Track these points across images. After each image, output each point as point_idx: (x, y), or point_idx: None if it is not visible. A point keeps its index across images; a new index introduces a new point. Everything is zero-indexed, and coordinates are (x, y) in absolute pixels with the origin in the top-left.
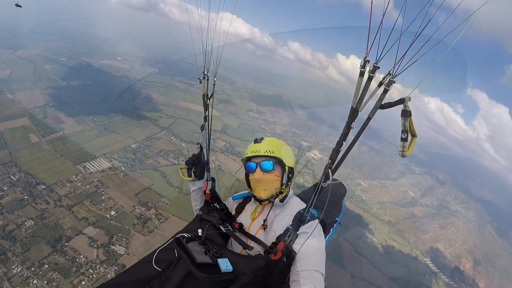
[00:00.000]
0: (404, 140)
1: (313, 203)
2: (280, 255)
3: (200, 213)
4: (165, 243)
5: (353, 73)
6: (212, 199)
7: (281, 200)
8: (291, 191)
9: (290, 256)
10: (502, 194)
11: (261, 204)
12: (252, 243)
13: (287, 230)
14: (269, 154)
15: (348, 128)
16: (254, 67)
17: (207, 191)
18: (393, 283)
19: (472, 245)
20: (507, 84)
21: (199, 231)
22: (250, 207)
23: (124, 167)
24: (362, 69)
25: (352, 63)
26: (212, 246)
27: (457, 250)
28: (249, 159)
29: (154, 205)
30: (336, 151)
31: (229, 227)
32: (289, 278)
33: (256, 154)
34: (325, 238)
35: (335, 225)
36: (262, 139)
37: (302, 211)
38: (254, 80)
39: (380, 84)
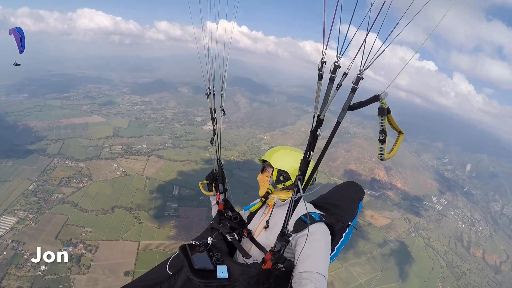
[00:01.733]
0: (382, 141)
1: (289, 219)
2: (270, 264)
3: (212, 222)
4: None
5: (225, 38)
6: (226, 208)
7: (284, 200)
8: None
9: (284, 264)
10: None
11: (265, 204)
12: (254, 250)
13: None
14: (262, 158)
15: (314, 137)
16: (126, 58)
17: (220, 202)
18: None
19: None
20: (373, 14)
21: (209, 239)
22: (261, 211)
23: (32, 214)
24: (320, 72)
25: (222, 28)
26: (216, 254)
27: (368, 164)
28: None
29: (79, 239)
30: (304, 161)
31: (235, 236)
32: (291, 284)
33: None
34: (337, 244)
35: (347, 229)
36: (270, 148)
37: (302, 216)
38: (130, 71)
39: (338, 87)
